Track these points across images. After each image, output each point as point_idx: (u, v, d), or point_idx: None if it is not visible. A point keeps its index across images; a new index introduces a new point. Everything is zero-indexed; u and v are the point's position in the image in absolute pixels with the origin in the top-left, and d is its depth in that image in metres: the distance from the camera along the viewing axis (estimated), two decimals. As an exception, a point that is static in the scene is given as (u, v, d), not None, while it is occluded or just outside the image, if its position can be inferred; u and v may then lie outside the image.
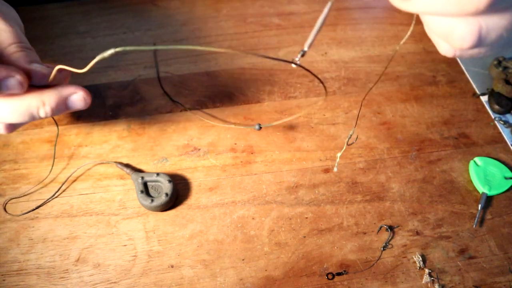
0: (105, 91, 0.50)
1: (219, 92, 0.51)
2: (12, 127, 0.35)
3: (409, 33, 0.33)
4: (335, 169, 0.43)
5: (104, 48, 0.54)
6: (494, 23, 0.23)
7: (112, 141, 0.46)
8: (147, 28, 0.58)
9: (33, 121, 0.33)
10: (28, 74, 0.31)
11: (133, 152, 0.46)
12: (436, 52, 0.56)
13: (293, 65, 0.28)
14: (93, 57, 0.26)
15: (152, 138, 0.47)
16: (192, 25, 0.58)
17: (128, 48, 0.24)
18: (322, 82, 0.32)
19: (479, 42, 0.24)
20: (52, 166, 0.44)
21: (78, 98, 0.33)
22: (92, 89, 0.50)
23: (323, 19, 0.26)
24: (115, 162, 0.44)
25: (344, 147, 0.39)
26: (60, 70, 0.32)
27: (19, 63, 0.31)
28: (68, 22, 0.58)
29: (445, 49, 0.26)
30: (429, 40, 0.57)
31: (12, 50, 0.32)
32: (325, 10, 0.26)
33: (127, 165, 0.44)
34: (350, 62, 0.54)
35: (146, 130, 0.47)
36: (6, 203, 0.42)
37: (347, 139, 0.38)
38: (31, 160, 0.45)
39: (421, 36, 0.58)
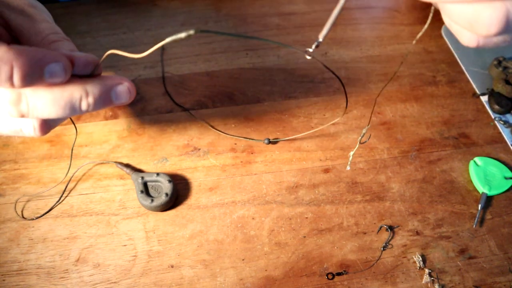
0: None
1: (219, 92, 0.51)
2: (47, 126, 0.31)
3: (426, 26, 0.31)
4: (348, 168, 0.42)
5: (104, 48, 0.55)
6: None
7: (112, 141, 0.46)
8: (147, 28, 0.58)
9: (72, 116, 0.29)
10: (70, 62, 0.28)
11: (133, 152, 0.45)
12: (436, 52, 0.56)
13: (307, 57, 0.27)
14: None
15: (152, 138, 0.47)
16: (192, 25, 0.58)
17: (206, 31, 0.22)
18: (336, 75, 0.31)
19: (507, 27, 0.23)
20: (69, 169, 0.44)
21: (123, 89, 0.29)
22: (92, 89, 0.50)
23: (341, 7, 0.26)
24: (115, 162, 0.44)
25: (357, 146, 0.38)
26: (94, 61, 0.29)
27: (61, 51, 0.29)
28: (68, 22, 0.58)
29: (468, 38, 0.25)
30: (429, 40, 0.57)
31: (53, 38, 0.31)
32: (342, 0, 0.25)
33: (127, 165, 0.44)
34: (350, 62, 0.54)
35: (146, 130, 0.47)
36: (22, 205, 0.42)
37: (359, 137, 0.37)
38: (31, 160, 0.45)
39: (421, 36, 0.57)
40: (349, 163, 0.43)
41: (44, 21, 0.32)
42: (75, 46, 0.32)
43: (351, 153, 0.39)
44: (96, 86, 0.28)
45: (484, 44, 0.25)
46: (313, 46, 0.27)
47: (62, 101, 0.28)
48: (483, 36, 0.24)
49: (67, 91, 0.28)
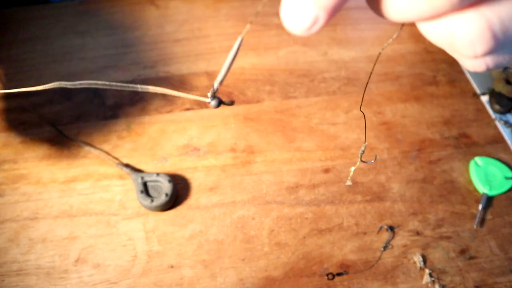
0: (105, 91, 0.50)
1: (219, 92, 0.51)
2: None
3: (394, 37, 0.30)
4: (349, 183, 0.39)
5: (104, 48, 0.55)
6: (510, 9, 0.16)
7: (112, 141, 0.46)
8: (147, 28, 0.58)
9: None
10: None
11: (133, 152, 0.45)
12: (436, 52, 0.56)
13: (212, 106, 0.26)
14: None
15: (152, 138, 0.47)
16: (192, 25, 0.58)
17: None
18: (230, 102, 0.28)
19: (497, 40, 0.17)
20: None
21: None
22: (92, 89, 0.50)
23: (235, 53, 0.23)
24: (115, 162, 0.44)
25: (358, 163, 0.36)
26: None
27: None
28: (68, 22, 0.58)
29: (471, 63, 0.19)
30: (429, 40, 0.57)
31: None
32: (236, 43, 0.22)
33: (127, 165, 0.44)
34: (350, 62, 0.54)
35: (146, 130, 0.47)
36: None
37: (360, 152, 0.35)
38: (31, 160, 0.45)
39: (421, 36, 0.57)
40: (349, 178, 0.40)
41: None
42: None
43: (352, 168, 0.36)
44: None
45: (495, 64, 0.19)
46: (210, 99, 0.25)
47: None
48: (474, 57, 0.18)
49: None
